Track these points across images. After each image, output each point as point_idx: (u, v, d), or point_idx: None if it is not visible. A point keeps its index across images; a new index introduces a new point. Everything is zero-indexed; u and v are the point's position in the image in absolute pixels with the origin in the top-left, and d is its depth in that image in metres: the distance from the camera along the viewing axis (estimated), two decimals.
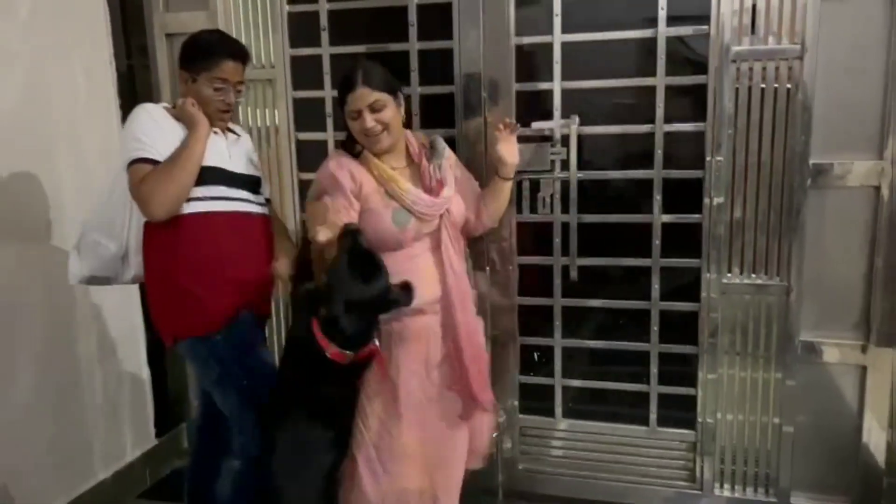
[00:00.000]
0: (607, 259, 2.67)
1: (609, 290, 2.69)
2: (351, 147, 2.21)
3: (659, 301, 2.63)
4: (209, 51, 2.14)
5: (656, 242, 2.59)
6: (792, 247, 2.45)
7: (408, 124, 2.30)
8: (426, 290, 2.14)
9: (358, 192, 2.15)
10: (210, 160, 2.10)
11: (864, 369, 2.49)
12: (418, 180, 2.22)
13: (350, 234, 1.99)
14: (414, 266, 2.16)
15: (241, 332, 2.13)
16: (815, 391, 2.55)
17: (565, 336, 2.74)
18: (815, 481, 2.60)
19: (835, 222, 2.45)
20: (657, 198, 2.56)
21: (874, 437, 2.50)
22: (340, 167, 2.17)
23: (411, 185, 2.17)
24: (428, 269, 2.20)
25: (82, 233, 2.20)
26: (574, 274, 2.63)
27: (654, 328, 2.65)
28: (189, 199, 2.06)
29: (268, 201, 2.35)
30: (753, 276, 2.51)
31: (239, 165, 2.22)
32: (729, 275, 2.53)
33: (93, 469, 2.76)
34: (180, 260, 2.07)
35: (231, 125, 2.31)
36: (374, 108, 2.10)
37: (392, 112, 2.13)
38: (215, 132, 2.18)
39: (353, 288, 1.92)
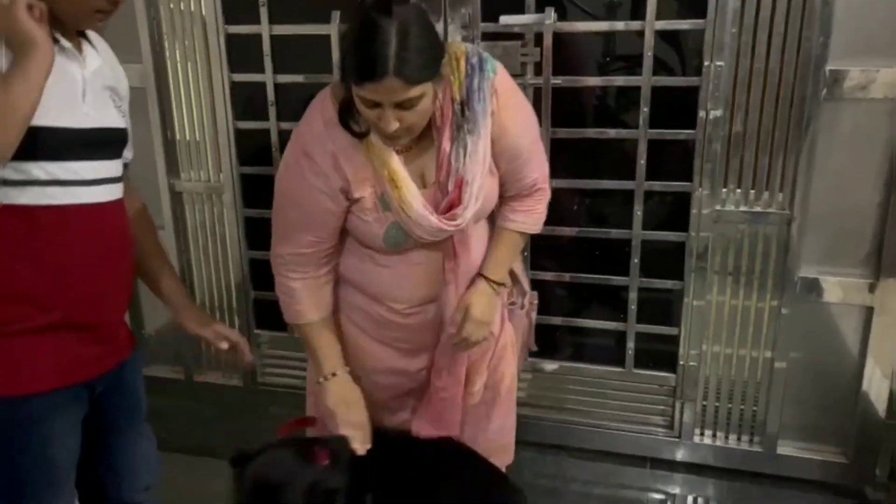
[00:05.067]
0: (583, 181, 2.33)
1: (584, 217, 2.37)
2: (350, 120, 1.42)
3: (641, 230, 2.30)
4: None
5: (641, 162, 2.24)
6: (798, 169, 2.11)
7: None
8: (416, 292, 1.58)
9: (347, 188, 1.46)
10: (50, 114, 1.26)
11: (870, 310, 2.19)
12: (432, 168, 1.48)
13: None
14: (406, 272, 1.56)
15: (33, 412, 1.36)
16: (813, 331, 2.26)
17: (534, 269, 2.42)
18: (806, 429, 2.36)
19: (850, 141, 2.09)
20: (644, 110, 2.19)
21: (875, 386, 2.22)
22: (320, 143, 1.44)
23: (417, 193, 1.44)
24: (426, 275, 1.56)
25: None
26: None
27: (635, 260, 2.33)
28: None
29: (125, 166, 1.53)
30: (752, 202, 2.17)
31: (99, 111, 1.38)
32: (723, 201, 2.19)
33: None
34: None
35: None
36: (404, 107, 1.32)
37: (427, 103, 1.36)
38: (61, 48, 1.30)
39: None
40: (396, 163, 1.43)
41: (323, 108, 1.45)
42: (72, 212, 1.32)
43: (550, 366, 2.50)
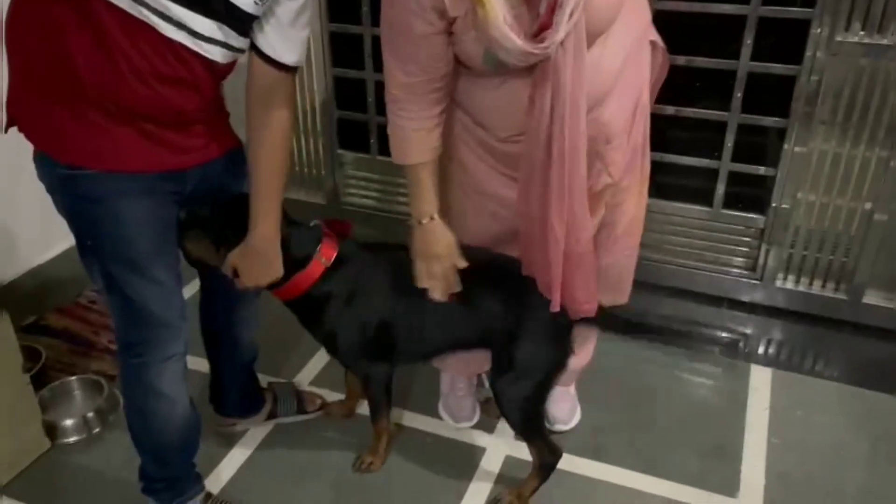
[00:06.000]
0: (690, 4, 2.14)
1: (688, 44, 2.17)
2: None
3: (749, 61, 2.13)
4: None
5: None
6: None
7: None
8: (515, 119, 1.46)
9: (442, 6, 1.34)
10: None
11: None
12: None
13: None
14: (506, 97, 1.45)
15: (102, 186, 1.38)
16: None
17: None
18: None
19: None
20: None
21: None
22: None
23: (503, 10, 1.28)
24: (525, 102, 1.43)
25: None
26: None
27: (738, 94, 2.19)
28: None
29: (283, 69, 1.42)
30: (878, 34, 1.97)
31: None
32: (845, 31, 1.99)
33: None
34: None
35: None
36: None
37: None
38: None
39: None
40: None
41: None
42: (136, 24, 1.24)
43: None
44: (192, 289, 1.83)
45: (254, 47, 1.40)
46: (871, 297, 2.31)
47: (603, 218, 1.62)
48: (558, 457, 1.73)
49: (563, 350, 1.65)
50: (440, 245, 1.57)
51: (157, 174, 1.41)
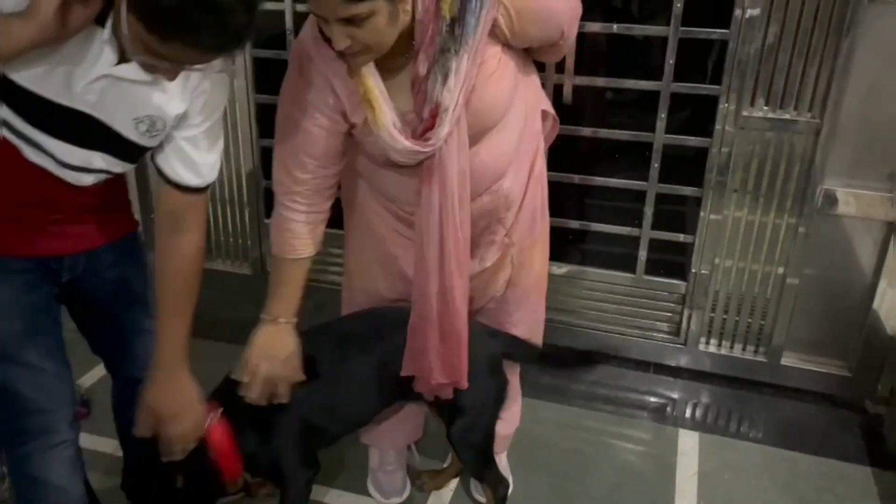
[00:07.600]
0: (607, 80, 2.24)
1: (606, 118, 2.28)
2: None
3: (664, 133, 2.23)
4: None
5: (670, 62, 2.14)
6: (833, 77, 2.02)
7: None
8: (413, 197, 1.49)
9: (344, 110, 1.40)
10: (41, 81, 1.13)
11: (890, 226, 2.15)
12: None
13: None
14: (406, 178, 1.49)
15: None
16: (830, 247, 2.23)
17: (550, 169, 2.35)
18: (812, 342, 2.36)
19: (891, 49, 1.98)
20: (677, 5, 2.07)
21: (887, 302, 2.21)
22: (314, 64, 1.38)
23: (391, 114, 1.36)
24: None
25: None
26: (568, 95, 2.20)
27: (655, 165, 2.27)
28: None
29: (189, 192, 1.34)
30: (780, 110, 2.09)
31: (105, 108, 1.20)
32: (751, 107, 2.11)
33: None
34: None
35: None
36: (352, 23, 1.21)
37: (380, 22, 1.23)
38: (93, 38, 1.13)
39: None
40: (373, 81, 1.33)
41: (313, 22, 1.36)
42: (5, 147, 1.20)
43: (560, 269, 2.48)
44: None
45: (156, 168, 1.34)
46: (789, 359, 2.38)
47: (511, 277, 1.67)
48: (508, 486, 1.84)
49: (502, 379, 1.67)
50: (284, 352, 1.51)
51: (10, 259, 1.32)
